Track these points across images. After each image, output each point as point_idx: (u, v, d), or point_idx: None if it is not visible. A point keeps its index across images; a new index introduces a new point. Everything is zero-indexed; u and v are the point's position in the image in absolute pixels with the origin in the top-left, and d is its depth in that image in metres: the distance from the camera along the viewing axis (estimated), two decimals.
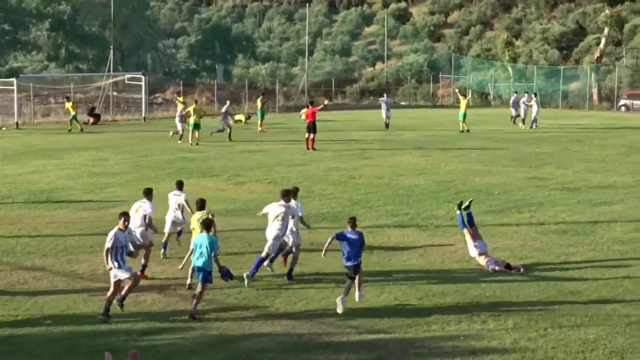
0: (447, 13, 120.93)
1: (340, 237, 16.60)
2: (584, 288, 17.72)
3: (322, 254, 17.08)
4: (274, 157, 39.19)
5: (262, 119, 54.24)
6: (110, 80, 68.63)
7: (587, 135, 50.95)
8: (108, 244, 15.93)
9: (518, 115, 57.79)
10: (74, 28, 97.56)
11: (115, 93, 70.13)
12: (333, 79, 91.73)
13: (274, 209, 18.60)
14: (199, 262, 16.14)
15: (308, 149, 42.27)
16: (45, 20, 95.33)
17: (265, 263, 18.48)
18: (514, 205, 27.16)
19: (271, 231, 18.51)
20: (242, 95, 74.01)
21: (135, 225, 18.17)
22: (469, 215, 20.55)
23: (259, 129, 53.38)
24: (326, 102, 47.82)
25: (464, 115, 52.10)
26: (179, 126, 46.74)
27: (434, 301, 16.82)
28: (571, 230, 23.31)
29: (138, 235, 18.22)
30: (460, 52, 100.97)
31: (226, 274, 16.56)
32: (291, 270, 18.72)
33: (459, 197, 28.21)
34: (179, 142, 45.33)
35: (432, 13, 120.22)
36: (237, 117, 59.37)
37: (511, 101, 60.94)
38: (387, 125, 53.47)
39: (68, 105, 55.17)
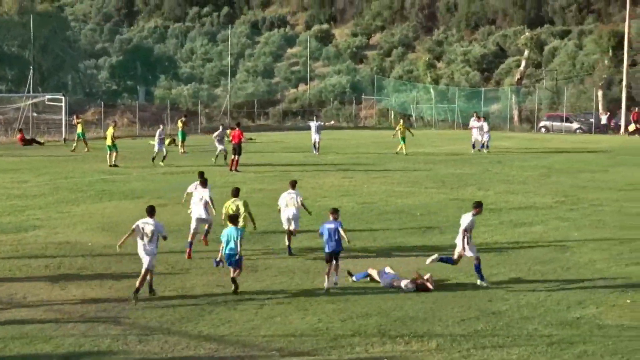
0: (369, 35, 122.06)
1: (321, 230, 19.50)
2: (506, 308, 17.85)
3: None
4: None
5: (184, 140, 54.15)
6: (30, 102, 67.72)
7: (507, 156, 51.65)
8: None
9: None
10: None
11: (35, 114, 69.14)
12: (256, 100, 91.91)
13: (285, 198, 23.20)
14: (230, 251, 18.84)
15: (231, 170, 42.23)
16: None
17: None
18: (437, 226, 27.36)
19: (289, 212, 23.05)
20: (164, 117, 73.58)
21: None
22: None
23: (181, 150, 53.14)
24: (255, 138, 47.96)
25: (404, 139, 52.44)
26: (157, 147, 46.59)
27: (358, 322, 16.77)
28: (493, 251, 23.51)
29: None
30: (382, 74, 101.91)
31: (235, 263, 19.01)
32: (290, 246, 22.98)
33: (381, 218, 28.34)
34: (161, 163, 45.30)
35: (355, 35, 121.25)
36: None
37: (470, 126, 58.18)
38: (316, 149, 52.81)
39: (78, 122, 55.35)
